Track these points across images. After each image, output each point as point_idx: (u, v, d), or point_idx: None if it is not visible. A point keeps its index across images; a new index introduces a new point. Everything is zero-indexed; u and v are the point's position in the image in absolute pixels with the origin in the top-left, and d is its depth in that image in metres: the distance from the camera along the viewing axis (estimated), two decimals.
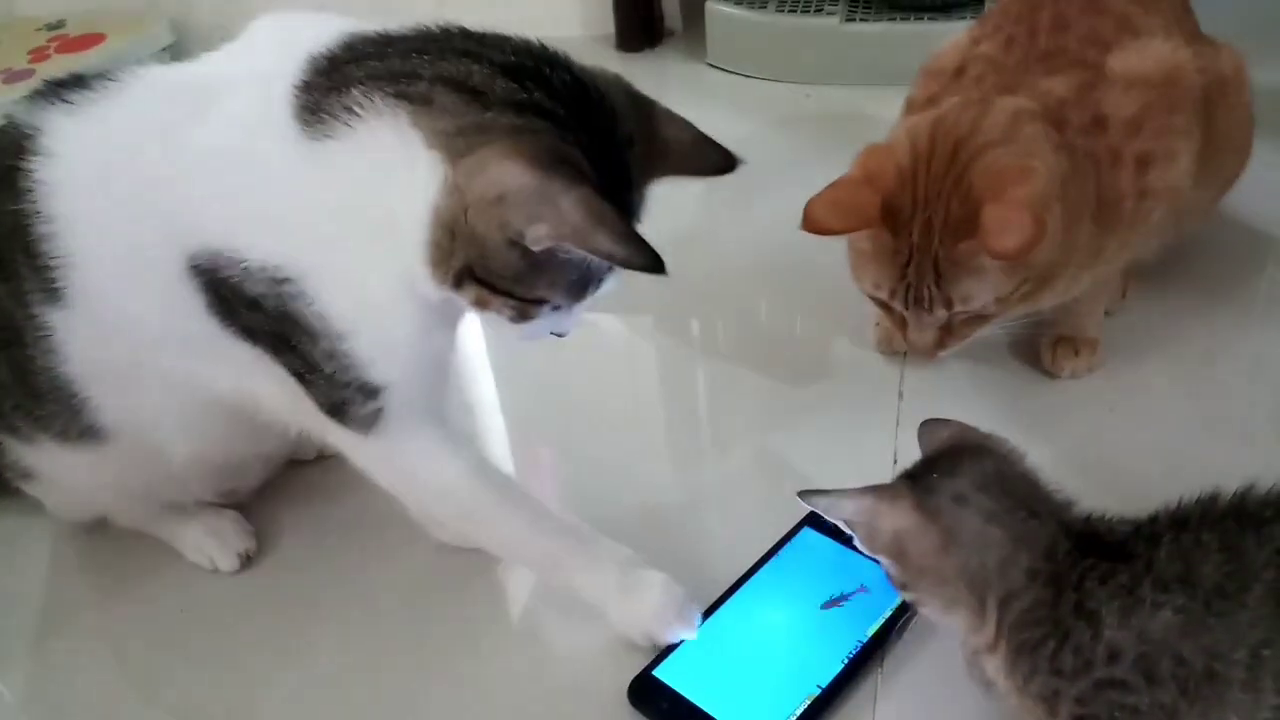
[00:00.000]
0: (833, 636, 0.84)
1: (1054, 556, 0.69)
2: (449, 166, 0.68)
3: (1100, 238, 0.99)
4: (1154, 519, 0.69)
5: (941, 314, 0.93)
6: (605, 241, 0.66)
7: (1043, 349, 1.12)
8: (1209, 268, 1.23)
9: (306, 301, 0.73)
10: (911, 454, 1.01)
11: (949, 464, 0.73)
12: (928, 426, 0.79)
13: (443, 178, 0.68)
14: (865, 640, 0.84)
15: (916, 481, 0.73)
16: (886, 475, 1.00)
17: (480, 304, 0.74)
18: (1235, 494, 0.68)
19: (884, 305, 0.99)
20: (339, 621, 0.95)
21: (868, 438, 1.07)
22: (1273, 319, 1.18)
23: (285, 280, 0.72)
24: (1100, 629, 0.66)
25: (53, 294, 0.80)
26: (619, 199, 0.70)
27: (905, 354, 1.16)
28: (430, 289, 0.73)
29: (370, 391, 0.77)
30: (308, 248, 0.73)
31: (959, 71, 1.06)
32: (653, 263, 0.67)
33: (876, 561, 0.74)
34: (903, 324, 0.98)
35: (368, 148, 0.70)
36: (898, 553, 0.72)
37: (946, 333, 0.96)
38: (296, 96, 0.72)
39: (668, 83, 1.86)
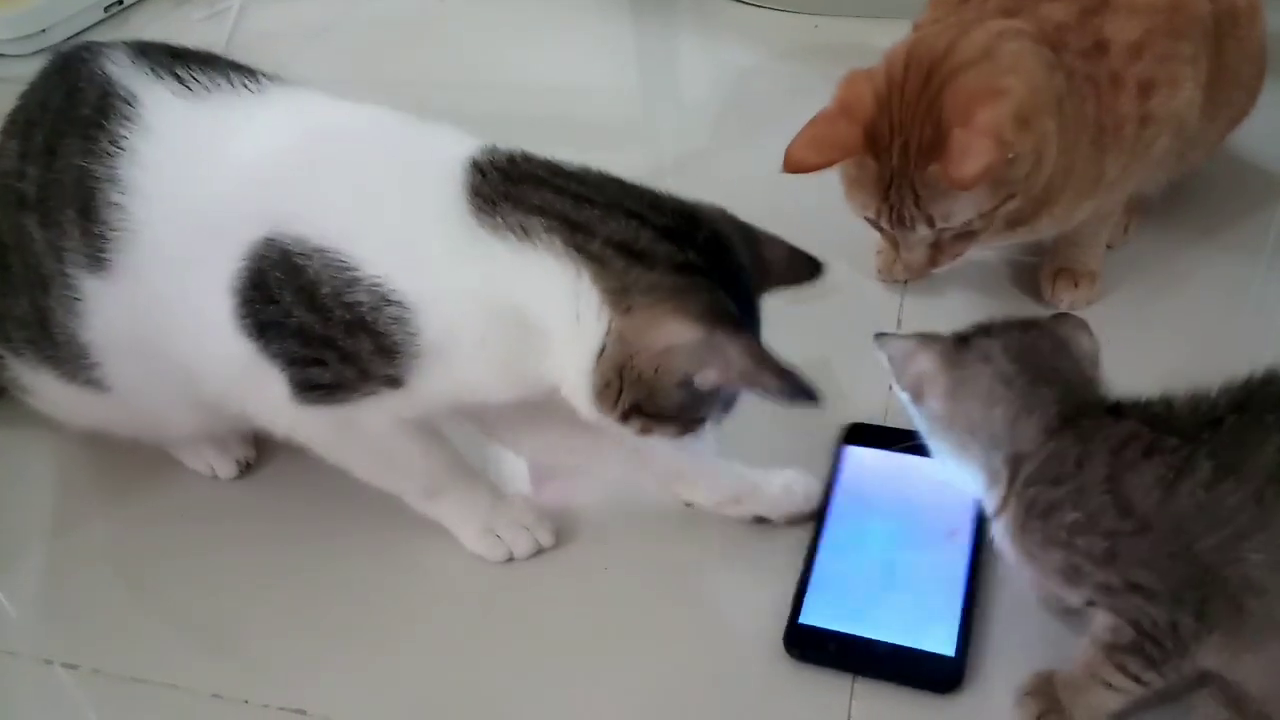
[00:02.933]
0: (941, 534, 0.88)
1: (1075, 421, 0.71)
2: (617, 320, 0.75)
3: (1099, 163, 0.98)
4: (1212, 400, 0.70)
5: (925, 232, 0.94)
6: (770, 381, 0.75)
7: (1042, 279, 1.12)
8: (1213, 206, 1.22)
9: (402, 317, 0.77)
10: None
11: (1002, 329, 0.77)
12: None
13: (608, 328, 0.76)
14: (974, 523, 0.87)
15: (962, 337, 0.78)
16: (884, 400, 1.03)
17: (646, 431, 0.80)
18: None
19: (875, 225, 1.00)
20: (341, 531, 0.96)
21: (868, 363, 1.06)
22: (1276, 259, 1.18)
23: (389, 292, 0.77)
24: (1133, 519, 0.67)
25: (96, 262, 0.82)
26: (752, 323, 0.79)
27: (905, 282, 1.16)
28: (589, 414, 0.80)
29: (394, 381, 0.80)
30: (431, 291, 0.77)
31: None
32: (809, 396, 0.75)
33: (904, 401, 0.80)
34: (895, 244, 0.99)
35: (536, 274, 0.76)
36: (916, 393, 0.78)
37: (937, 250, 0.97)
38: (472, 177, 0.78)
39: (678, 12, 1.83)
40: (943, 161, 0.88)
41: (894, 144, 0.91)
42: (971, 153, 0.86)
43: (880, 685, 0.81)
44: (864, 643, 0.82)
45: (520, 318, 0.78)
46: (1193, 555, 0.66)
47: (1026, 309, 1.12)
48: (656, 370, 0.76)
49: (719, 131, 1.52)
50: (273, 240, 0.78)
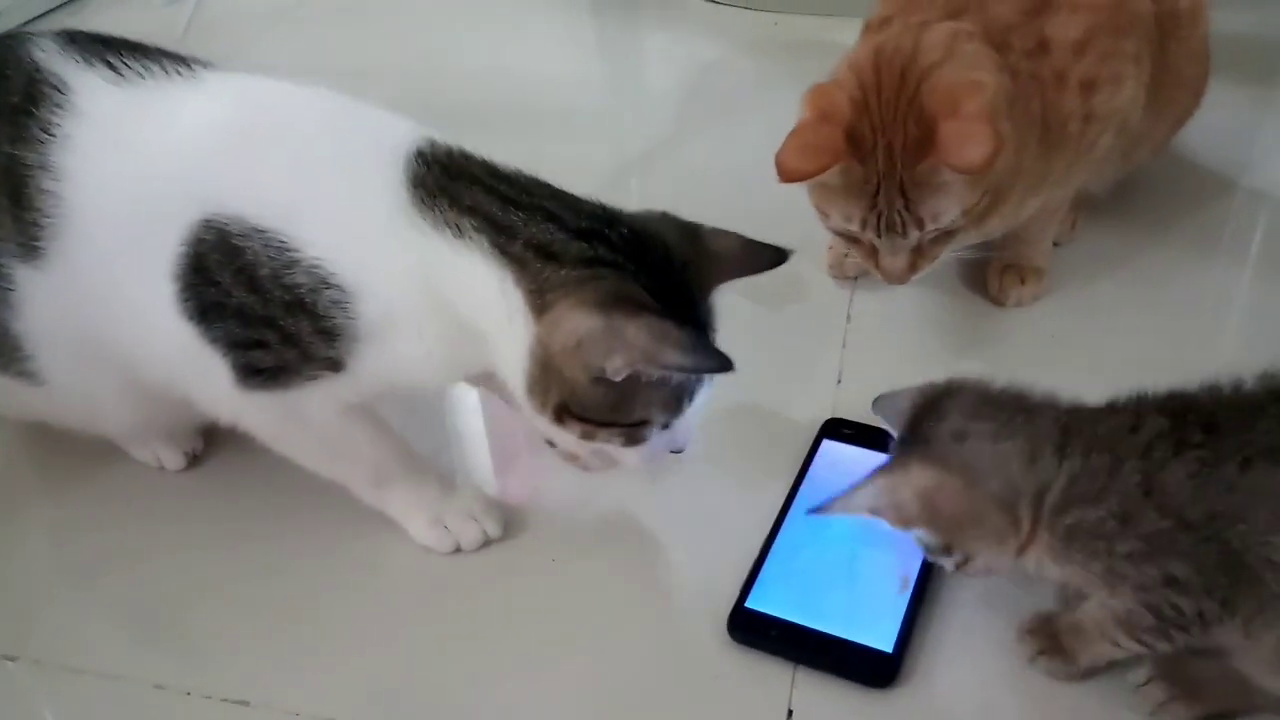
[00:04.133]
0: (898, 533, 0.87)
1: (1076, 432, 0.72)
2: (536, 320, 0.77)
3: (1046, 160, 1.00)
4: (1238, 388, 0.71)
5: (914, 235, 0.94)
6: (673, 355, 0.74)
7: (989, 276, 1.14)
8: (1158, 204, 1.24)
9: (341, 300, 0.78)
10: (856, 374, 1.06)
11: (931, 414, 0.76)
12: (883, 400, 0.83)
13: (533, 331, 0.77)
14: None
15: (911, 443, 0.76)
16: (831, 394, 1.04)
17: (587, 436, 0.80)
18: None
19: (851, 239, 0.99)
20: (288, 524, 0.96)
21: (816, 357, 1.09)
22: (1218, 255, 1.20)
23: (329, 275, 0.77)
24: (1172, 513, 0.68)
25: (29, 250, 0.81)
26: (685, 316, 0.78)
27: (855, 278, 1.18)
28: (528, 415, 0.81)
29: (335, 364, 0.80)
30: (371, 274, 0.78)
31: None
32: (720, 364, 0.75)
33: (915, 539, 0.77)
34: (872, 254, 0.98)
35: (468, 273, 0.78)
36: (931, 515, 0.74)
37: (918, 255, 0.97)
38: (416, 168, 0.79)
39: (640, 6, 1.84)
40: (938, 154, 0.88)
41: (878, 146, 0.91)
42: (972, 139, 0.86)
43: (820, 676, 0.81)
44: (805, 632, 0.83)
45: (456, 313, 0.79)
46: (1225, 543, 0.67)
47: (975, 305, 1.15)
48: (573, 366, 0.76)
49: (681, 124, 1.53)
50: (211, 221, 0.77)
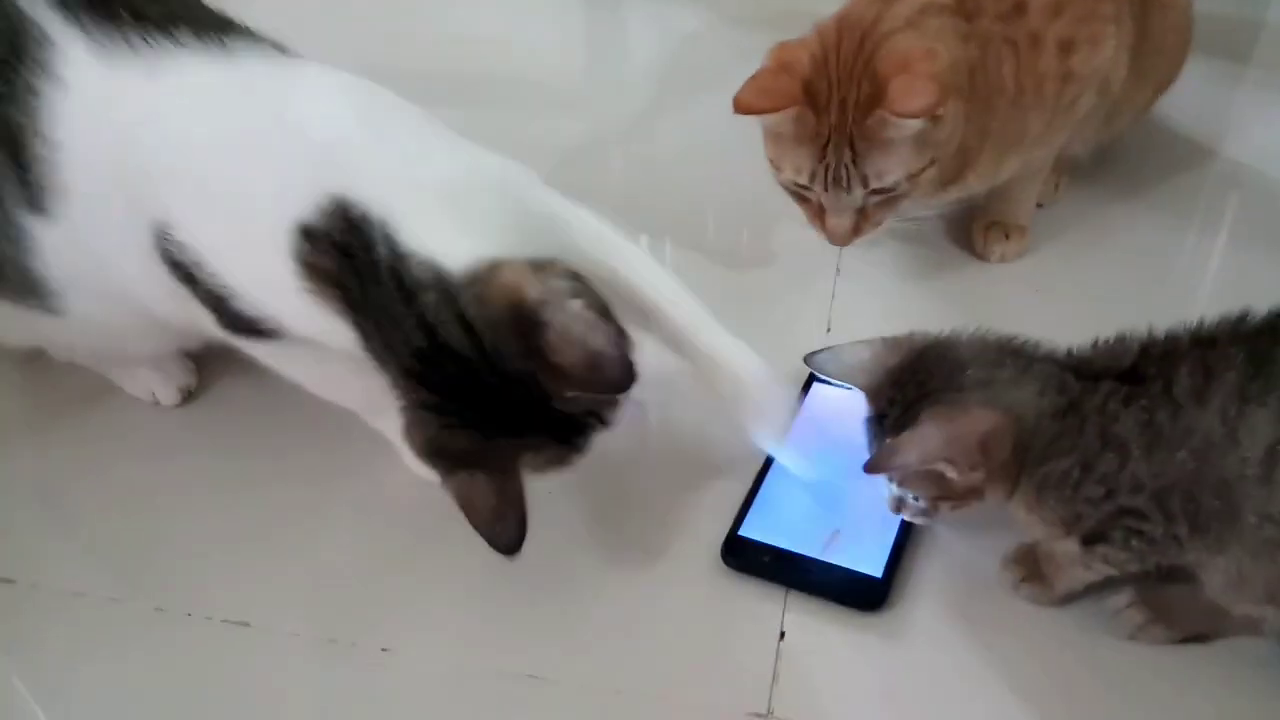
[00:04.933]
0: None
1: (1067, 390, 0.74)
2: None
3: (1021, 121, 1.03)
4: (1171, 338, 0.74)
5: (858, 192, 0.97)
6: (474, 521, 0.76)
7: (974, 233, 1.17)
8: (1138, 170, 1.28)
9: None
10: (845, 323, 1.08)
11: (941, 363, 0.79)
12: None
13: None
14: None
15: (941, 396, 0.77)
16: (821, 341, 1.05)
17: None
18: (1270, 312, 0.73)
19: (801, 196, 1.02)
20: (283, 454, 0.97)
21: (806, 308, 1.12)
22: (1194, 218, 1.24)
23: (252, 305, 0.79)
24: (1127, 459, 0.71)
25: (36, 206, 0.81)
26: (536, 419, 0.75)
27: None
28: None
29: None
30: (291, 320, 0.79)
31: None
32: (508, 545, 0.76)
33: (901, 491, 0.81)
34: (820, 213, 1.01)
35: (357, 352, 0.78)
36: (985, 459, 0.75)
37: (862, 217, 1.00)
38: (300, 245, 0.75)
39: None
40: (886, 104, 0.91)
41: (832, 101, 0.94)
42: (915, 91, 0.90)
43: (810, 600, 0.84)
44: (797, 558, 0.85)
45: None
46: (1176, 470, 0.70)
47: (960, 260, 1.17)
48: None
49: (664, 94, 1.54)
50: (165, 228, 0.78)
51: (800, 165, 0.97)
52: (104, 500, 0.95)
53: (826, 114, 0.94)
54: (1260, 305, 0.73)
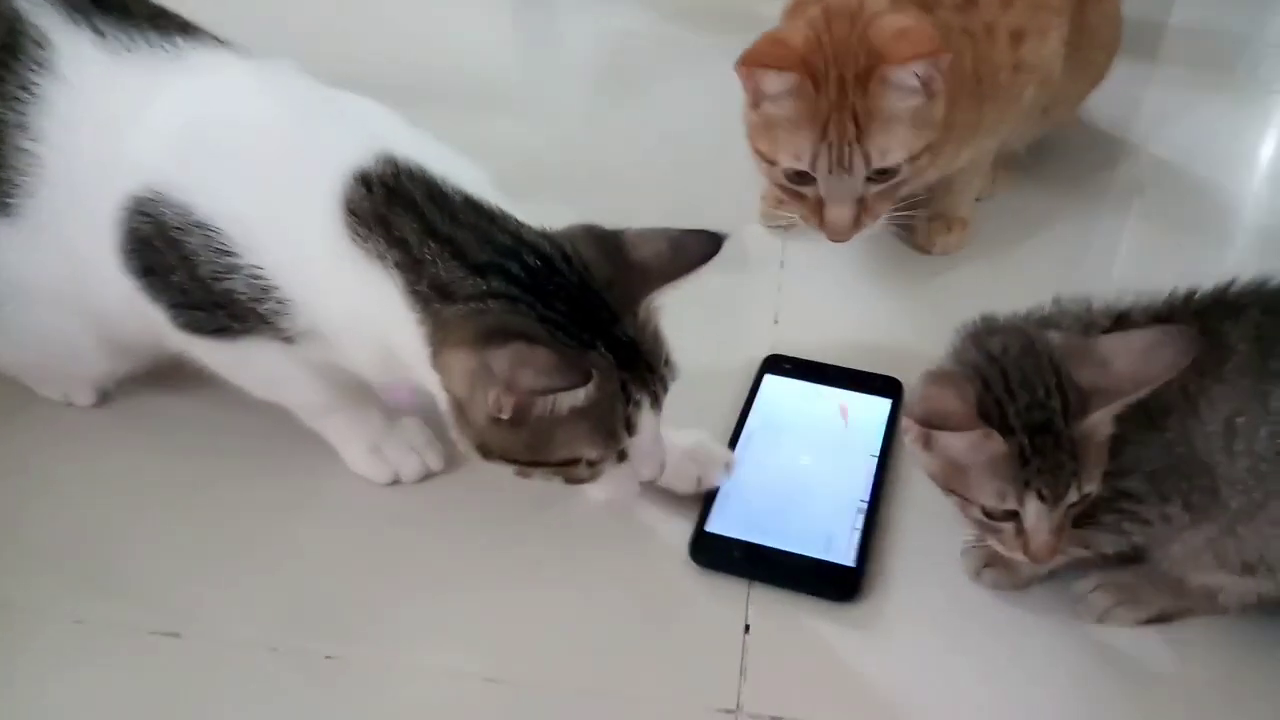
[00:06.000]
0: (848, 456, 0.91)
1: None
2: (435, 366, 0.72)
3: (978, 110, 1.03)
4: (1126, 315, 0.74)
5: (860, 174, 0.95)
6: (528, 378, 0.67)
7: (917, 225, 1.16)
8: (1070, 164, 1.30)
9: (280, 310, 0.76)
10: (792, 315, 1.07)
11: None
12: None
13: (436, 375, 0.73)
14: (878, 451, 0.91)
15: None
16: (769, 332, 1.05)
17: (523, 475, 0.75)
18: (1215, 288, 0.73)
19: (796, 193, 1.00)
20: (216, 456, 0.92)
21: (753, 301, 1.10)
22: (1121, 209, 1.27)
23: (269, 285, 0.75)
24: (1123, 443, 0.70)
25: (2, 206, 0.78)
26: (603, 334, 0.71)
27: (787, 227, 1.19)
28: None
29: (280, 337, 0.78)
30: (309, 293, 0.76)
31: None
32: (575, 380, 0.68)
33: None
34: (818, 208, 0.99)
35: (391, 309, 0.73)
36: None
37: (862, 208, 0.98)
38: (353, 193, 0.74)
39: None
40: (884, 60, 0.91)
41: (830, 78, 0.92)
42: (912, 40, 0.90)
43: (774, 592, 0.82)
44: (766, 551, 0.83)
45: (384, 339, 0.76)
46: (1163, 449, 0.71)
47: (902, 252, 1.18)
48: (471, 408, 0.71)
49: (601, 92, 1.52)
50: (156, 199, 0.75)
51: (800, 149, 0.95)
52: (21, 506, 0.88)
53: (825, 91, 0.93)
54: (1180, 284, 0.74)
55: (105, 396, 0.96)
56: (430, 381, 0.74)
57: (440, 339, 0.71)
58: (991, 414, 0.69)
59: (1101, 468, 0.71)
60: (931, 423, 0.69)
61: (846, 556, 0.83)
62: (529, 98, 1.55)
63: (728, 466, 0.88)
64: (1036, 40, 1.04)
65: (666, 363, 0.75)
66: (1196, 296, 0.74)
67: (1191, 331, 0.68)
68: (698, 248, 0.75)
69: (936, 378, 0.72)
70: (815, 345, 1.01)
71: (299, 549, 0.86)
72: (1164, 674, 0.78)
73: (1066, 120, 1.26)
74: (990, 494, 0.71)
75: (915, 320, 1.07)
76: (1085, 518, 0.74)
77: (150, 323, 0.81)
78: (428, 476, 0.90)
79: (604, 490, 0.78)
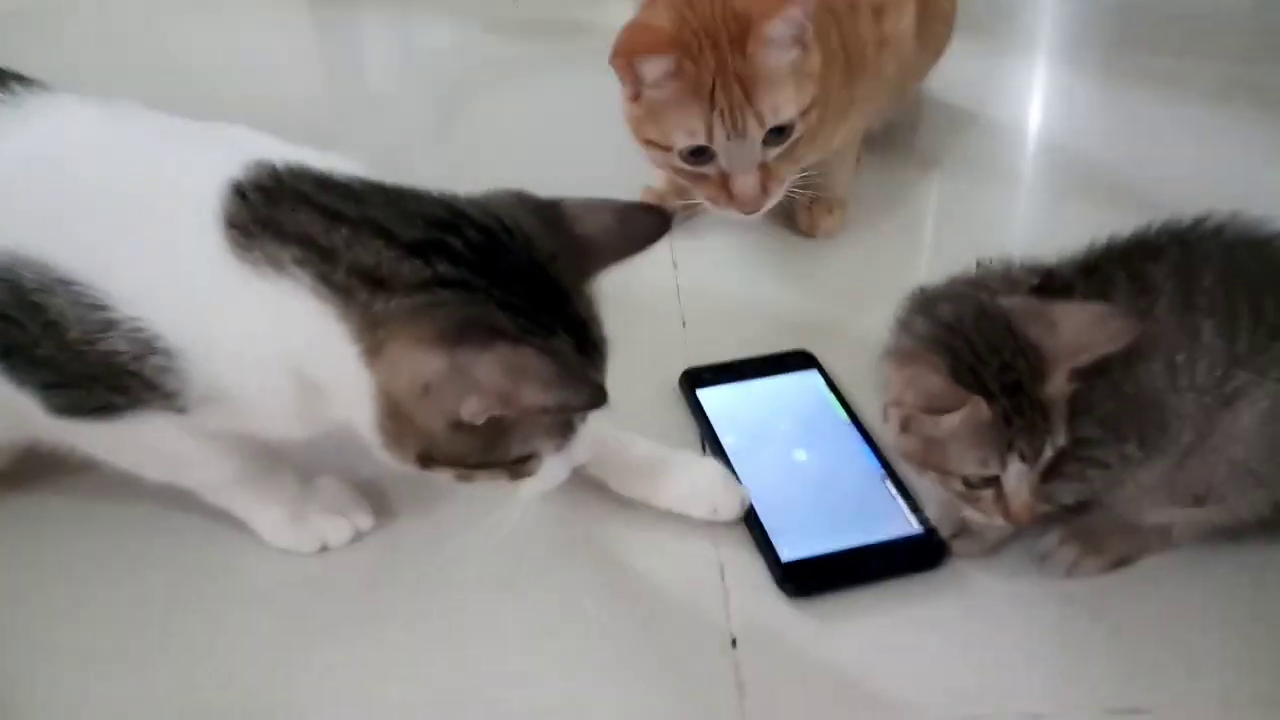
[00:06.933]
0: (830, 434, 0.90)
1: None
2: (371, 362, 0.64)
3: (849, 87, 1.04)
4: (1052, 272, 0.74)
5: (756, 135, 0.94)
6: (533, 394, 0.61)
7: (798, 211, 1.16)
8: (922, 140, 1.35)
9: (170, 367, 0.67)
10: (697, 316, 1.05)
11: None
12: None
13: (371, 376, 0.64)
14: (847, 419, 0.91)
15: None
16: (680, 337, 1.02)
17: (465, 479, 0.69)
18: (1134, 233, 0.75)
19: (697, 175, 0.98)
20: (108, 539, 0.81)
21: (655, 309, 1.07)
22: (978, 177, 1.30)
23: (152, 339, 0.66)
24: (1075, 391, 0.70)
25: None
26: (555, 323, 0.65)
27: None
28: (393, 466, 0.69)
29: (173, 407, 0.69)
30: (198, 337, 0.67)
31: None
32: (590, 398, 0.62)
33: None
34: (722, 183, 0.97)
35: (294, 316, 0.65)
36: None
37: (766, 175, 0.97)
38: (229, 204, 0.65)
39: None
40: (753, 14, 0.91)
41: (704, 49, 0.92)
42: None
43: (746, 601, 0.79)
44: (851, 554, 0.80)
45: (293, 366, 0.67)
46: (1113, 390, 0.71)
47: (785, 238, 1.18)
48: (425, 413, 0.64)
49: (424, 116, 1.47)
50: (4, 265, 0.66)
51: (693, 125, 0.94)
52: None
53: (704, 63, 0.92)
54: (1056, 244, 0.76)
55: None
56: (351, 398, 0.66)
57: (382, 334, 0.63)
58: (970, 382, 0.68)
59: (1064, 423, 0.71)
60: (933, 408, 0.68)
61: (912, 526, 0.82)
62: (348, 126, 1.46)
63: (742, 500, 0.84)
64: (895, 15, 1.06)
65: (605, 341, 0.70)
66: (1118, 244, 0.76)
67: (1134, 316, 0.69)
68: (647, 225, 0.71)
69: (906, 358, 0.71)
70: (729, 342, 0.99)
71: (210, 645, 0.76)
72: (1131, 616, 0.79)
73: (912, 96, 1.30)
74: (973, 462, 0.70)
75: (817, 298, 1.07)
76: (1049, 471, 0.74)
77: (14, 412, 0.71)
78: (357, 538, 0.82)
79: (540, 483, 0.71)
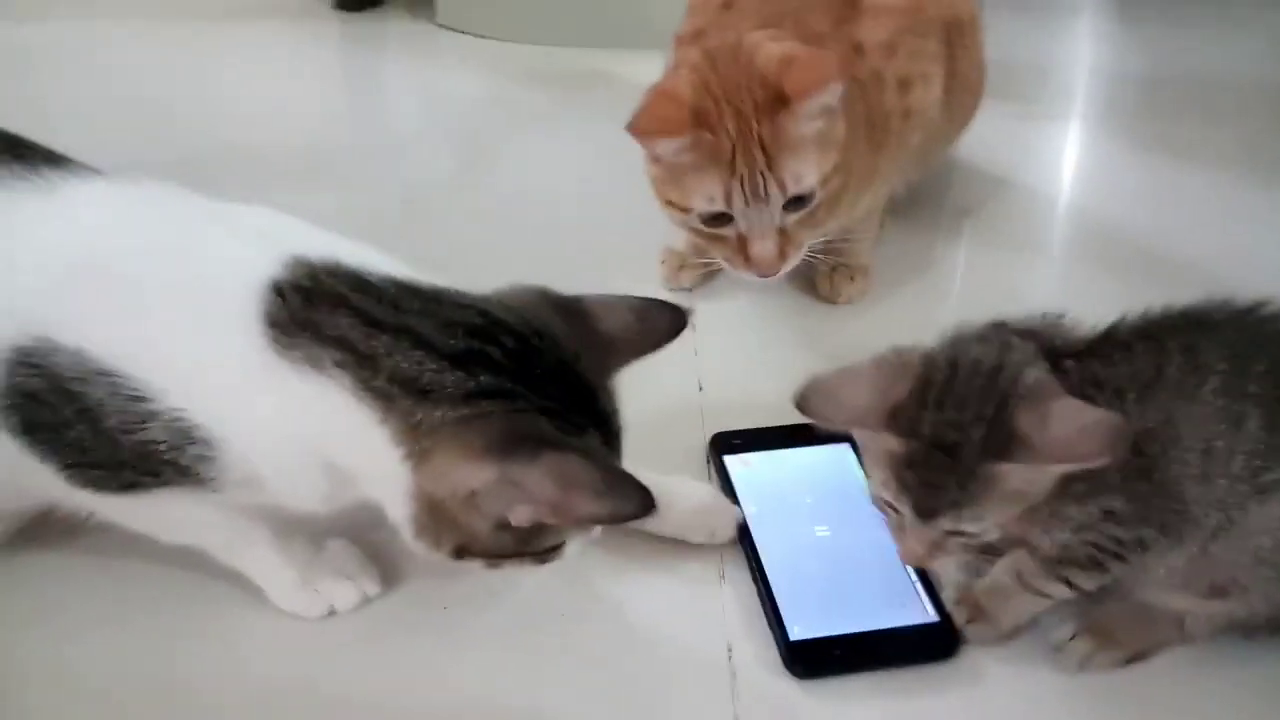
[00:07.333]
0: (854, 512, 0.85)
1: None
2: (414, 466, 0.66)
3: (874, 157, 1.04)
4: (1113, 331, 0.73)
5: (777, 202, 0.94)
6: (586, 504, 0.64)
7: (819, 278, 1.16)
8: (946, 204, 1.35)
9: (206, 455, 0.68)
10: (715, 379, 1.04)
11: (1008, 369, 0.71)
12: (816, 398, 0.76)
13: (413, 479, 0.66)
14: None
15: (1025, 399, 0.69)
16: (694, 399, 1.01)
17: (494, 568, 0.71)
18: (1190, 305, 0.73)
19: (715, 236, 0.98)
20: (112, 607, 0.80)
21: (672, 369, 1.05)
22: (1005, 243, 1.30)
23: (192, 428, 0.67)
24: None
25: None
26: (587, 420, 0.68)
27: (690, 289, 1.17)
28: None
29: (202, 485, 0.70)
30: (236, 428, 0.68)
31: (726, 5, 1.08)
32: (640, 506, 0.64)
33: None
34: (741, 246, 0.97)
35: (334, 415, 0.67)
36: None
37: (785, 240, 0.97)
38: (269, 304, 0.67)
39: (389, 44, 1.77)
40: (789, 88, 0.91)
41: (724, 115, 0.92)
42: (806, 67, 0.91)
43: (754, 633, 0.79)
44: (862, 638, 0.79)
45: (329, 460, 0.69)
46: (1150, 472, 0.70)
47: (807, 305, 1.17)
48: (468, 516, 0.67)
49: (449, 162, 1.48)
50: (40, 350, 0.67)
51: (712, 190, 0.94)
52: None
53: (723, 129, 0.92)
54: (1082, 313, 0.75)
55: None
56: (387, 489, 0.68)
57: (427, 443, 0.65)
58: (903, 417, 0.68)
59: (1003, 520, 0.70)
60: None
61: (929, 614, 0.80)
62: (372, 171, 1.48)
63: (736, 519, 0.86)
64: (922, 87, 1.06)
65: (623, 429, 0.72)
66: (1174, 314, 0.74)
67: (1125, 429, 0.67)
68: (665, 321, 0.74)
69: (884, 358, 0.73)
70: (745, 406, 0.98)
71: (219, 711, 0.75)
72: (1145, 713, 0.77)
73: (938, 163, 1.29)
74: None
75: (838, 364, 1.02)
76: (1065, 559, 0.74)
77: (32, 482, 0.72)
78: (364, 603, 0.82)
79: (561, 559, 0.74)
